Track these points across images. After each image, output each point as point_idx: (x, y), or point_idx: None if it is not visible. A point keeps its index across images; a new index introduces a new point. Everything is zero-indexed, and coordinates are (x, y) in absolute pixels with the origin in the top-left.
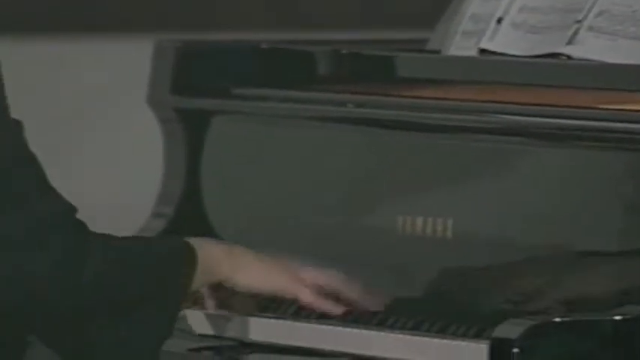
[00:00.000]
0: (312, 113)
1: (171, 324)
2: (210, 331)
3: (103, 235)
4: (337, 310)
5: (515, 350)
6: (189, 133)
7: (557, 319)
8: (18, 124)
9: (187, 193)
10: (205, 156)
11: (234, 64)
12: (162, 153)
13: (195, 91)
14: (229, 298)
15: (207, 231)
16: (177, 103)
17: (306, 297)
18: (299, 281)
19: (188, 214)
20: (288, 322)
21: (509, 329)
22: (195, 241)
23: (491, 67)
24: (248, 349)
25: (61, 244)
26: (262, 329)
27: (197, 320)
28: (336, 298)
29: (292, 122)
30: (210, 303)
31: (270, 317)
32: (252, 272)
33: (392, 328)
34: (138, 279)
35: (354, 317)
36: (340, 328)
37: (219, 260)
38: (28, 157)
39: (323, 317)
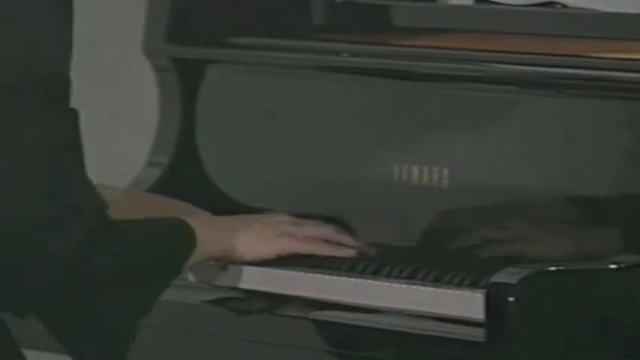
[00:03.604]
0: (307, 62)
1: (153, 301)
2: (222, 283)
3: (121, 225)
4: (332, 251)
5: (511, 299)
6: (184, 82)
7: (553, 268)
8: (75, 113)
9: (182, 142)
10: (200, 105)
11: (229, 13)
12: (157, 102)
13: (190, 40)
14: None
15: (202, 180)
16: (172, 52)
17: (304, 250)
18: (293, 240)
19: (183, 163)
20: (287, 273)
21: (506, 278)
22: (194, 220)
23: (487, 16)
24: (255, 300)
25: (83, 234)
26: (265, 280)
27: (209, 272)
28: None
29: (287, 71)
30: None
31: (271, 268)
32: (250, 244)
33: (388, 277)
34: (141, 263)
35: (350, 267)
36: (336, 278)
37: (217, 238)
38: (76, 145)
39: (319, 267)
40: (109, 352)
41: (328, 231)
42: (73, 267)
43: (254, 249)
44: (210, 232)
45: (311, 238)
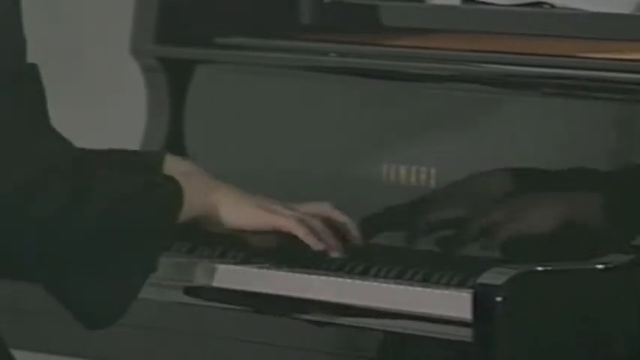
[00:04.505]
0: (295, 62)
1: (155, 259)
2: (211, 283)
3: (100, 177)
4: (329, 242)
5: (499, 299)
6: (172, 82)
7: (540, 268)
8: (34, 68)
9: (171, 142)
10: (189, 105)
11: (217, 13)
12: (145, 102)
13: (178, 40)
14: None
15: None
16: (160, 53)
17: (295, 228)
18: (283, 215)
19: None
20: (275, 272)
21: (493, 278)
22: (182, 175)
23: (475, 16)
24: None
25: (62, 189)
26: (253, 279)
27: (198, 272)
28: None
29: (276, 71)
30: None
31: (255, 266)
32: (233, 209)
33: (375, 276)
34: (128, 218)
35: (338, 266)
36: (324, 277)
37: (204, 198)
38: (40, 101)
39: (308, 267)
40: (110, 312)
41: (323, 208)
42: (61, 224)
43: (236, 214)
44: (197, 192)
45: (296, 218)
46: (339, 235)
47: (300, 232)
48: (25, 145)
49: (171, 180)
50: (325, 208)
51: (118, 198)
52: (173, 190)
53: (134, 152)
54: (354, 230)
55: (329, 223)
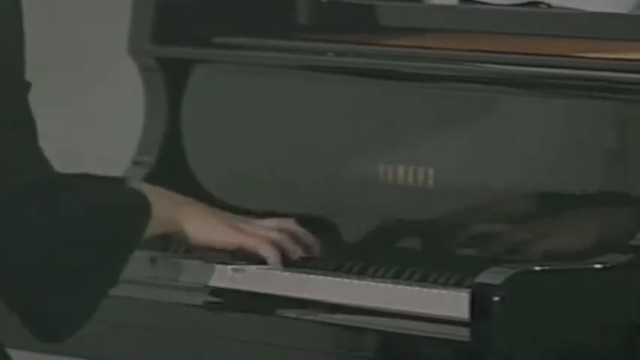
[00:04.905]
0: (292, 62)
1: (118, 273)
2: (208, 282)
3: (72, 186)
4: (295, 253)
5: (496, 298)
6: (170, 82)
7: (538, 268)
8: (27, 86)
9: (168, 142)
10: (186, 105)
11: (215, 13)
12: (143, 102)
13: (176, 39)
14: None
15: (188, 180)
16: (157, 52)
17: (259, 248)
18: (251, 234)
19: (169, 164)
20: (272, 272)
21: (491, 278)
22: (150, 192)
23: (472, 16)
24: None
25: (33, 200)
26: (250, 279)
27: (196, 272)
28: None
29: (273, 71)
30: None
31: (254, 267)
32: (200, 228)
33: (373, 277)
34: (96, 230)
35: (336, 266)
36: (321, 277)
37: (171, 213)
38: (27, 120)
39: (303, 266)
40: (68, 325)
41: (286, 224)
42: (30, 236)
43: (205, 232)
44: (166, 207)
45: (261, 235)
46: (303, 250)
47: (264, 252)
48: (9, 167)
49: (139, 194)
50: (288, 225)
51: (86, 209)
52: (141, 204)
53: (104, 177)
54: (316, 246)
55: (293, 238)
